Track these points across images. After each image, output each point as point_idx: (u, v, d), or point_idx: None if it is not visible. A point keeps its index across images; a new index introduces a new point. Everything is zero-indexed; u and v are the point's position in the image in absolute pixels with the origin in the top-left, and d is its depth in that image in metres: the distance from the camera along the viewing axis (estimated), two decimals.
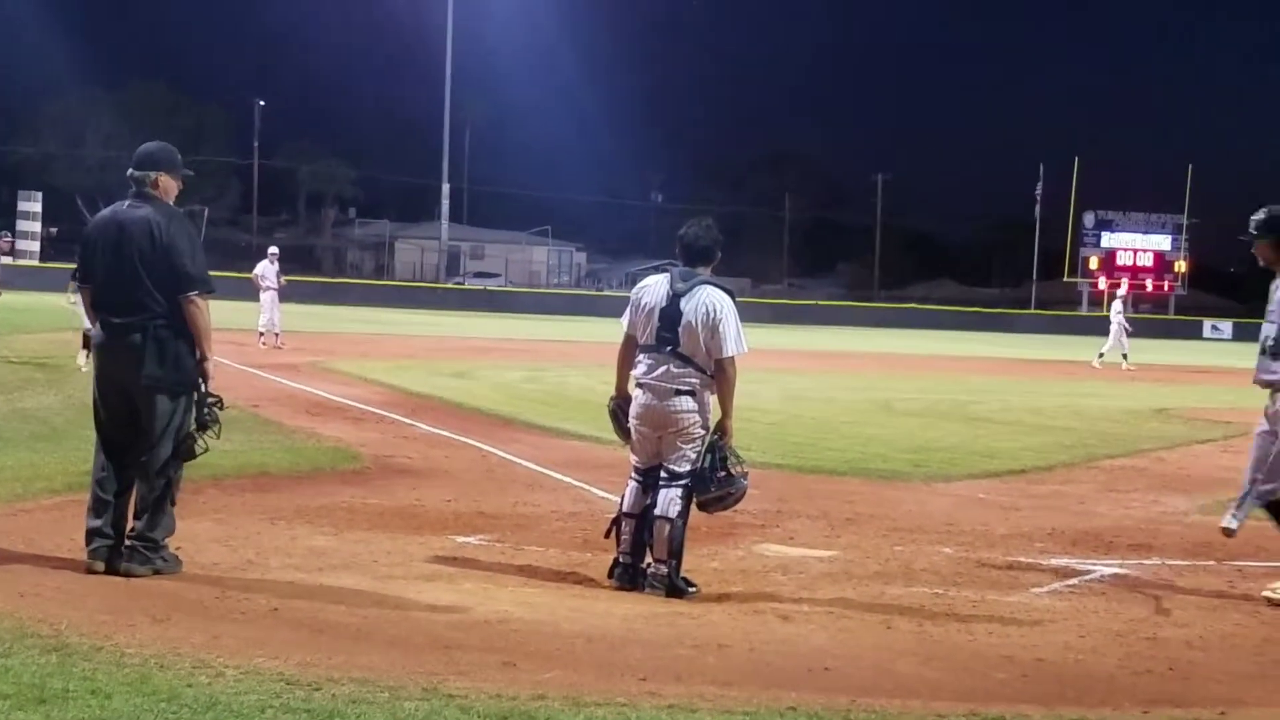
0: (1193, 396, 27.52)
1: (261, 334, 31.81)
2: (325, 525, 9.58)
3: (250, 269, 35.19)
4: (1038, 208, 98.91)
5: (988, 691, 6.12)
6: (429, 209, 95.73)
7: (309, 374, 23.78)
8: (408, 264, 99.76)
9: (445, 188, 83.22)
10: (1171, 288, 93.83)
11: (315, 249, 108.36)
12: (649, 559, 8.08)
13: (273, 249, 35.25)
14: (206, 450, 7.99)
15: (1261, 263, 9.16)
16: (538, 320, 57.44)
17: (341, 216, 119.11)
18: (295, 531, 9.29)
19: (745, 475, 8.27)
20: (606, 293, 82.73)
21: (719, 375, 8.09)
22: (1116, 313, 39.41)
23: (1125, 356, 39.00)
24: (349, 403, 18.93)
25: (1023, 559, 9.45)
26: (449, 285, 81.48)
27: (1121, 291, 40.63)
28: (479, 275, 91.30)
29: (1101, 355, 39.36)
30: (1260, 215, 9.10)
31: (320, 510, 10.16)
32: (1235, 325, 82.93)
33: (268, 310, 32.05)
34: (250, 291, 32.85)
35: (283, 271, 33.59)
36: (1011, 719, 5.65)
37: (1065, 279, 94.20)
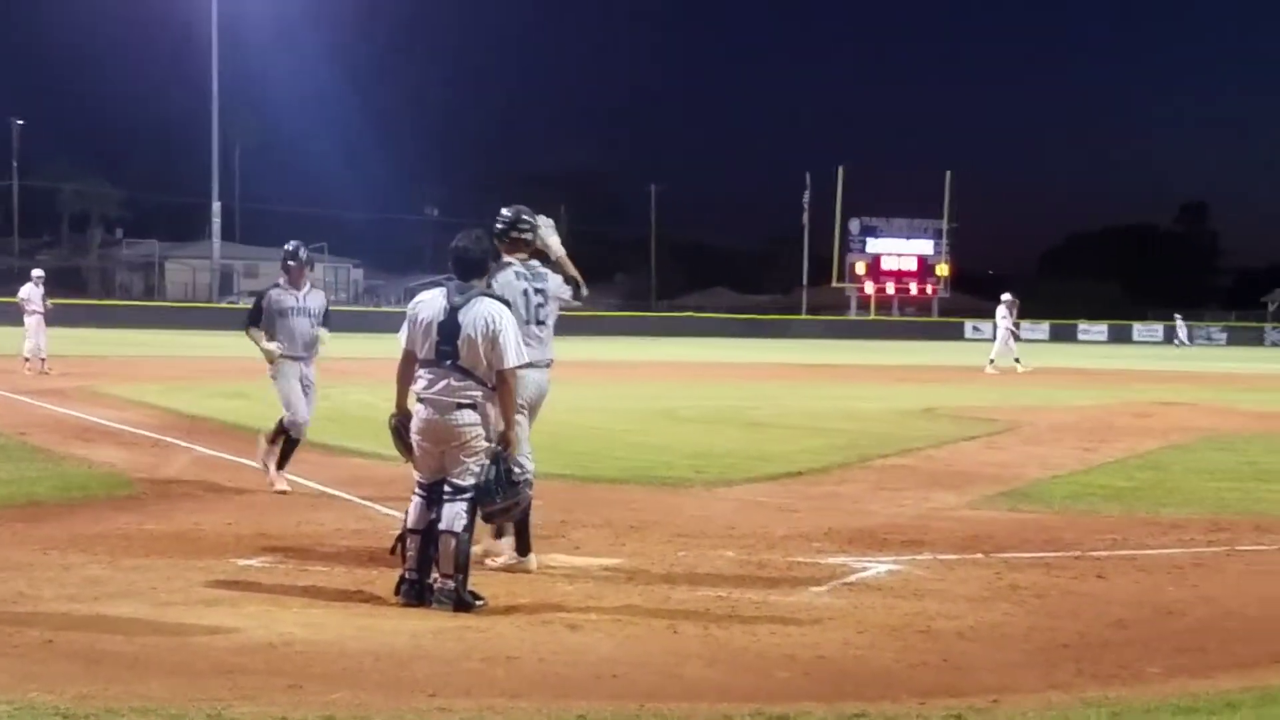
0: (958, 396, 28.47)
1: (27, 359, 30.73)
2: (100, 553, 9.31)
3: (13, 293, 33.95)
4: (805, 216, 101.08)
5: (771, 690, 6.27)
6: (199, 228, 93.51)
7: (78, 399, 23.04)
8: (179, 284, 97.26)
9: (215, 205, 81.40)
10: (934, 291, 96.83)
11: (81, 270, 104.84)
12: (435, 574, 8.06)
13: (37, 271, 34.02)
14: None
15: None
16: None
17: (108, 237, 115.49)
18: (69, 561, 9.02)
19: (529, 485, 8.31)
20: (384, 309, 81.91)
21: (500, 386, 8.12)
22: (1002, 317, 40.22)
23: (1018, 360, 39.92)
24: (121, 427, 18.42)
25: (802, 559, 9.68)
26: (223, 305, 79.69)
27: (1006, 297, 40.63)
28: (253, 294, 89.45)
29: (992, 360, 40.18)
30: None
31: (95, 538, 9.87)
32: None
33: (33, 335, 30.98)
34: (15, 315, 31.67)
35: (48, 294, 32.48)
36: (795, 716, 5.79)
37: (834, 284, 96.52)
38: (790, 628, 7.58)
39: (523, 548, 9.17)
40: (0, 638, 6.88)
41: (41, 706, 5.57)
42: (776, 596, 8.43)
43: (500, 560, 9.12)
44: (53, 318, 32.57)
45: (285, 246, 13.24)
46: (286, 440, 13.02)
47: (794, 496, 12.93)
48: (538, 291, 9.31)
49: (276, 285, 13.27)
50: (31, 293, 31.80)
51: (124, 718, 5.44)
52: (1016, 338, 41.02)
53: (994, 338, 41.50)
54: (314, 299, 13.32)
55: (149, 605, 7.78)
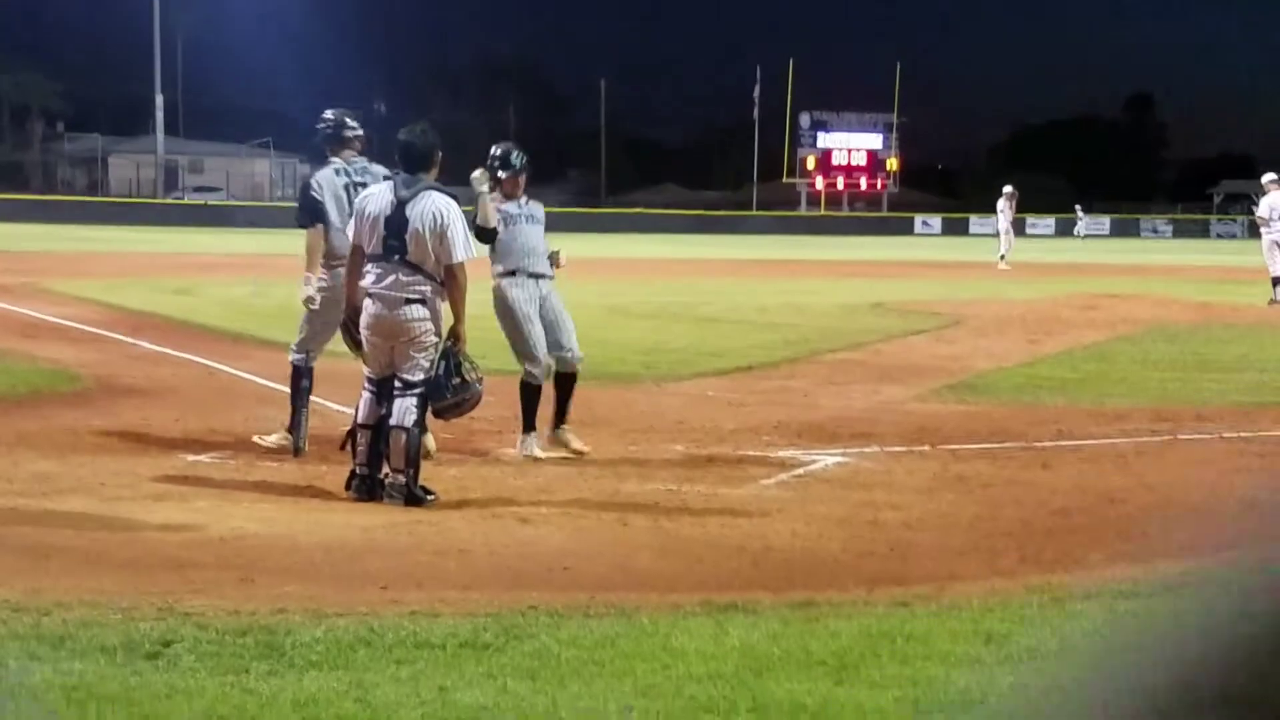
0: (906, 290, 28.59)
1: None
2: (47, 449, 9.26)
3: None
4: (756, 110, 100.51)
5: (720, 580, 6.34)
6: (143, 122, 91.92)
7: (21, 294, 22.78)
8: (123, 180, 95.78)
9: (159, 99, 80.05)
10: (884, 185, 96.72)
11: (23, 165, 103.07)
12: (386, 469, 8.07)
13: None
14: None
15: None
16: (262, 234, 56.01)
17: (49, 131, 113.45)
18: (15, 457, 8.97)
19: (480, 381, 8.31)
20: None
21: (449, 281, 8.08)
22: (1002, 211, 39.57)
23: (1003, 257, 39.27)
24: (66, 323, 18.25)
25: (751, 452, 9.75)
26: (168, 200, 78.70)
27: (1007, 190, 39.87)
28: (199, 190, 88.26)
29: (1003, 256, 39.34)
30: None
31: (41, 434, 9.82)
32: (944, 220, 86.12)
33: None
34: None
35: None
36: (743, 605, 5.86)
37: (784, 180, 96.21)
38: (739, 519, 7.65)
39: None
40: None
41: None
42: (725, 489, 8.50)
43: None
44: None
45: (493, 150, 10.04)
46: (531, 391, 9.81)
47: (743, 391, 12.98)
48: (358, 186, 9.22)
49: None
50: None
51: (75, 611, 5.44)
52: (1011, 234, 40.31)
53: (996, 233, 40.82)
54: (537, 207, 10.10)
55: (98, 501, 7.76)
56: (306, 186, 9.56)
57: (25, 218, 58.72)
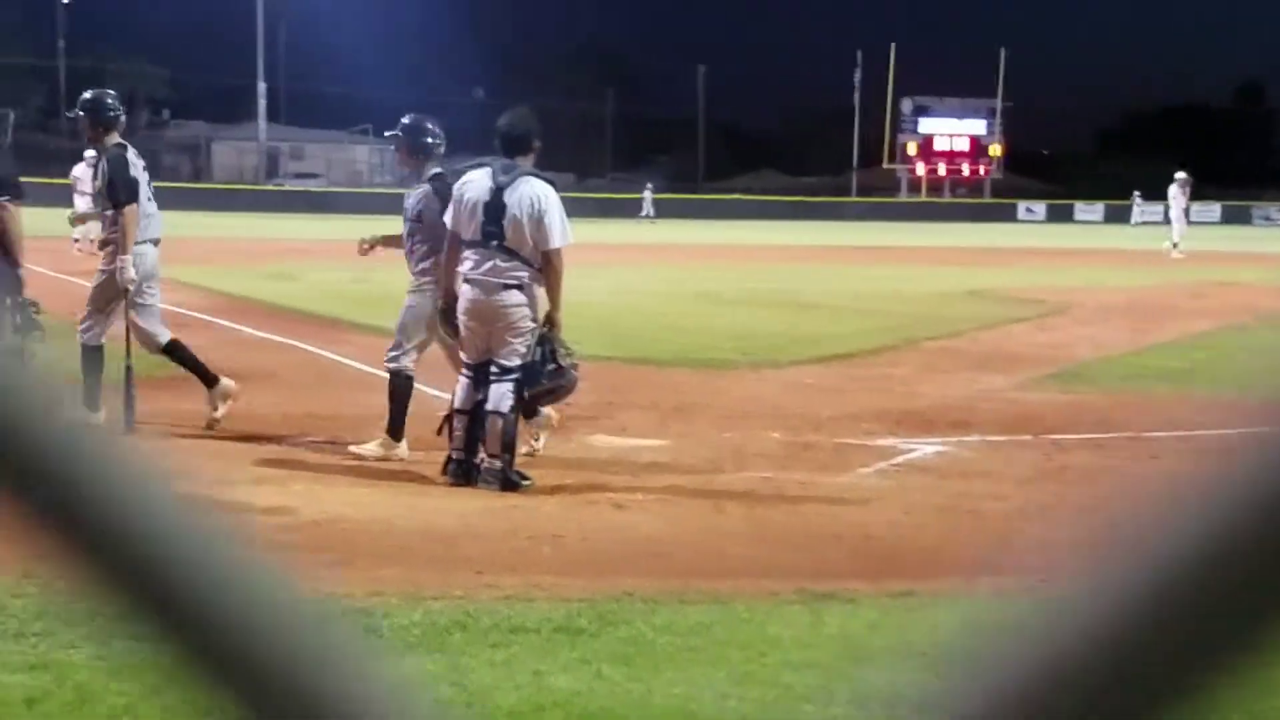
0: (1007, 277, 28.23)
1: (76, 240, 30.72)
2: (149, 433, 9.38)
3: (65, 174, 33.97)
4: (856, 95, 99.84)
5: (816, 568, 6.27)
6: (246, 109, 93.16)
7: None
8: (226, 166, 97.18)
9: (261, 86, 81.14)
10: (987, 171, 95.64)
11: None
12: (482, 454, 8.08)
13: (89, 152, 33.96)
14: (34, 358, 7.77)
15: None
16: (361, 220, 56.50)
17: (155, 118, 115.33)
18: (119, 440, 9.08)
19: (575, 368, 8.30)
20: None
21: (546, 267, 8.07)
22: (1174, 196, 38.43)
23: (1175, 245, 37.89)
24: (168, 308, 18.44)
25: (849, 440, 9.66)
26: (269, 187, 79.72)
27: (1180, 176, 38.52)
28: (300, 176, 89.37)
29: (1175, 244, 37.96)
30: None
31: (144, 417, 9.94)
32: (1049, 207, 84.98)
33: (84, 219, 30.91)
34: (66, 197, 31.73)
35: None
36: (840, 594, 5.80)
37: (885, 165, 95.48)
38: (836, 508, 7.57)
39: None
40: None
41: None
42: (823, 477, 8.42)
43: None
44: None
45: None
46: None
47: (841, 378, 12.87)
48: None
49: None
50: (84, 173, 31.72)
51: None
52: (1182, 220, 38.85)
53: (1166, 220, 39.57)
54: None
55: (199, 484, 7.81)
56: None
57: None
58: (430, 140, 9.16)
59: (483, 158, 9.11)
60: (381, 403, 10.62)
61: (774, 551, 6.63)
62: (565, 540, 6.74)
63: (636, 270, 28.31)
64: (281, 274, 25.31)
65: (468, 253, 8.16)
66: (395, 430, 8.89)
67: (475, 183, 8.19)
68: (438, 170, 9.03)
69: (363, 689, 0.58)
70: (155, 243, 9.54)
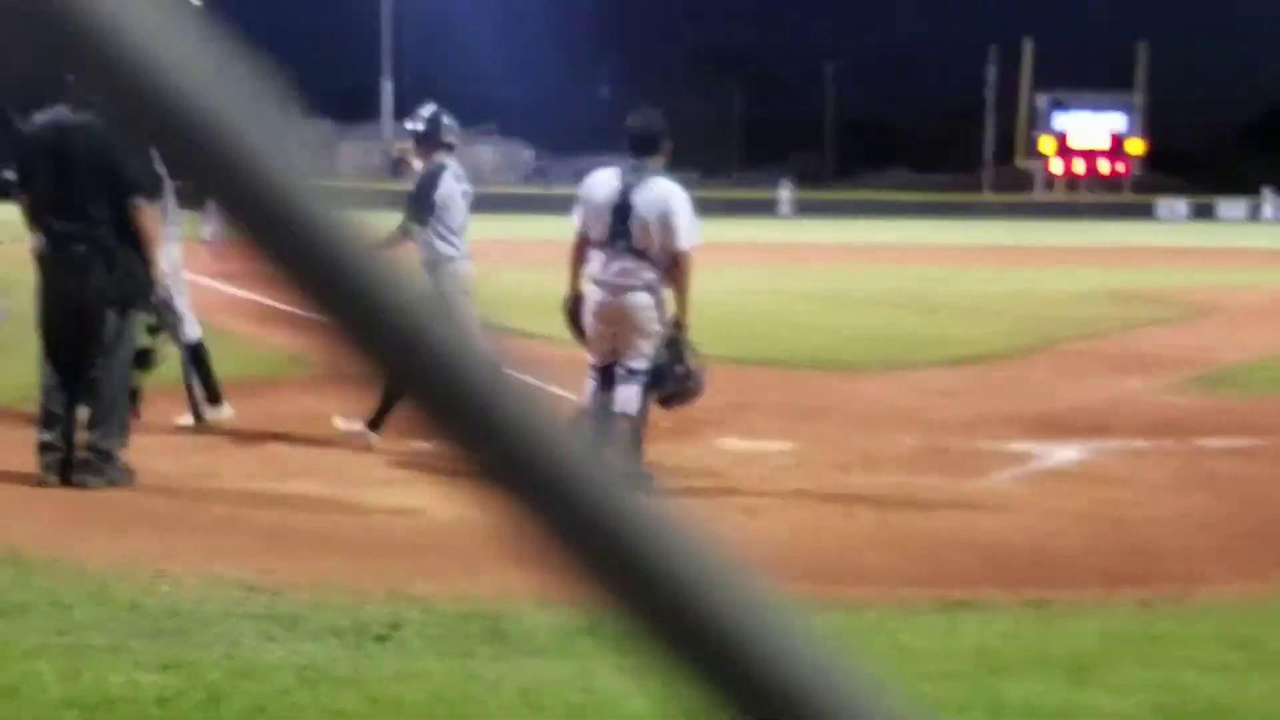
0: (1147, 278, 27.64)
1: (208, 241, 31.38)
2: (281, 433, 9.48)
3: None
4: (989, 91, 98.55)
5: (951, 576, 6.14)
6: (372, 108, 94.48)
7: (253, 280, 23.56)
8: (352, 165, 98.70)
9: (387, 85, 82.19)
10: (1126, 168, 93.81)
11: None
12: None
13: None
14: (166, 360, 7.90)
15: None
16: (485, 220, 56.97)
17: None
18: (251, 439, 9.20)
19: (704, 370, 8.22)
20: (555, 190, 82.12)
21: (674, 269, 7.99)
22: None
23: None
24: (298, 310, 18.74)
25: (983, 445, 9.47)
26: (395, 186, 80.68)
27: None
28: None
29: None
30: None
31: (276, 418, 10.05)
32: (1191, 205, 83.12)
33: (214, 217, 31.64)
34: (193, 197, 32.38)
35: None
36: (976, 602, 5.67)
37: (1019, 163, 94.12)
38: (971, 514, 7.42)
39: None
40: (185, 514, 7.05)
41: (227, 580, 5.68)
42: (956, 483, 8.26)
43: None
44: None
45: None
46: None
47: (974, 381, 12.65)
48: (465, 187, 9.53)
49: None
50: None
51: (305, 592, 5.51)
52: None
53: None
54: None
55: (328, 484, 7.90)
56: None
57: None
58: (449, 137, 9.43)
59: (610, 157, 9.09)
60: None
61: (906, 558, 6.50)
62: None
63: (763, 270, 28.17)
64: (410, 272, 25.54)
65: (594, 253, 8.12)
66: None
67: (602, 183, 8.15)
68: (443, 163, 9.26)
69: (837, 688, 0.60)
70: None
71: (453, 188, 9.27)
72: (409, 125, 9.73)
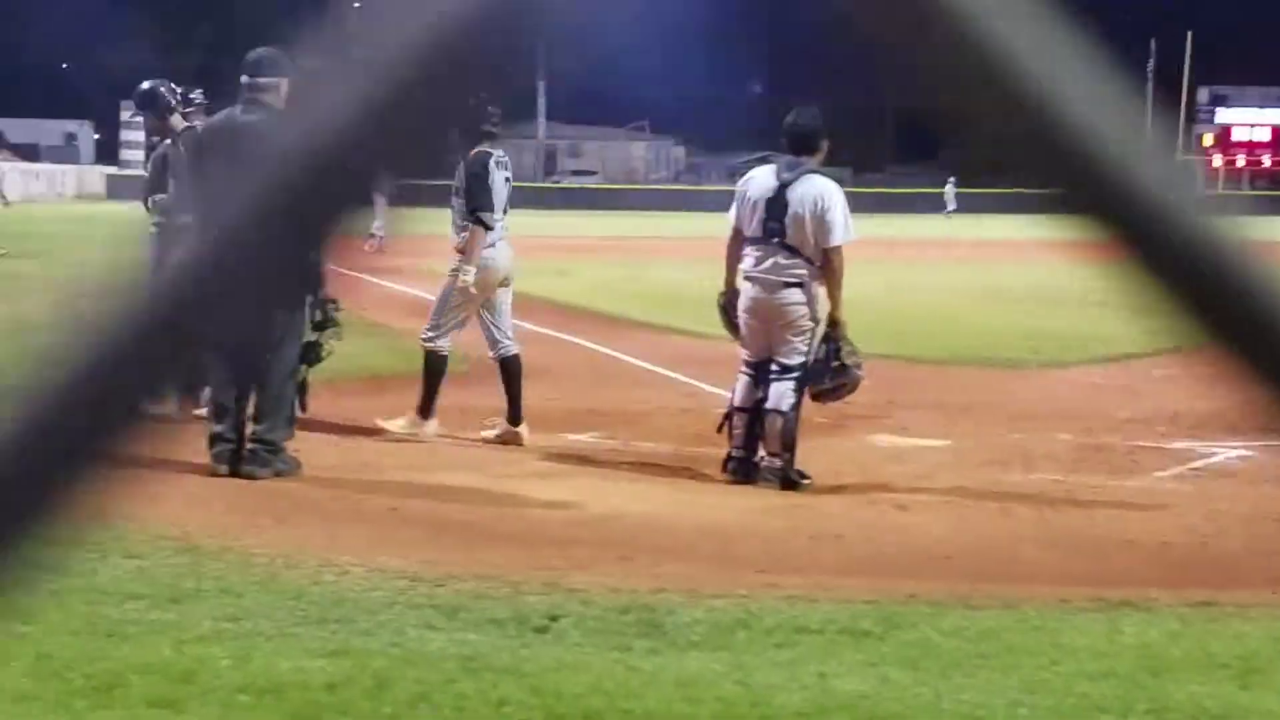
0: None
1: (372, 236, 31.77)
2: (439, 426, 9.63)
3: None
4: (1149, 85, 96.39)
5: (1111, 576, 6.05)
6: (526, 107, 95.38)
7: (413, 276, 23.87)
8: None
9: (540, 85, 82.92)
10: None
11: None
12: (762, 452, 8.05)
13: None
14: (331, 354, 8.08)
15: None
16: (638, 216, 57.22)
17: None
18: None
19: (859, 366, 8.19)
20: (707, 187, 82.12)
21: (827, 265, 7.98)
22: None
23: None
24: None
25: (1144, 443, 9.30)
26: (546, 184, 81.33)
27: None
28: (576, 173, 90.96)
29: None
30: None
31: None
32: None
33: (377, 213, 32.00)
34: None
35: None
36: (1137, 602, 5.58)
37: (1179, 158, 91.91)
38: (1132, 513, 7.30)
39: (514, 418, 9.15)
40: (349, 504, 7.22)
41: (390, 570, 5.80)
42: (1116, 481, 8.13)
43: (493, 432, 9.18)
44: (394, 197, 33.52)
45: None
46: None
47: (1135, 378, 12.39)
48: (508, 174, 9.48)
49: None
50: None
51: (466, 583, 5.61)
52: None
53: None
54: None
55: (486, 477, 8.02)
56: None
57: (416, 201, 61.66)
58: (491, 124, 9.35)
59: (764, 154, 9.09)
60: (660, 398, 10.72)
61: (1065, 557, 6.42)
62: (847, 540, 6.66)
63: (914, 266, 27.91)
64: (559, 270, 25.71)
65: (749, 249, 8.13)
66: (424, 408, 9.11)
67: (758, 179, 8.16)
68: (484, 149, 9.17)
69: None
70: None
71: (496, 175, 9.28)
72: None
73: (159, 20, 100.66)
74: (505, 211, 9.39)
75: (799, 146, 8.13)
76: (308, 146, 0.55)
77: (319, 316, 7.95)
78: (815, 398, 8.20)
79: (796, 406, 8.00)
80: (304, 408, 8.00)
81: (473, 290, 8.96)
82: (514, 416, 9.18)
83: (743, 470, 8.08)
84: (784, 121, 8.29)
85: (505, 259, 9.39)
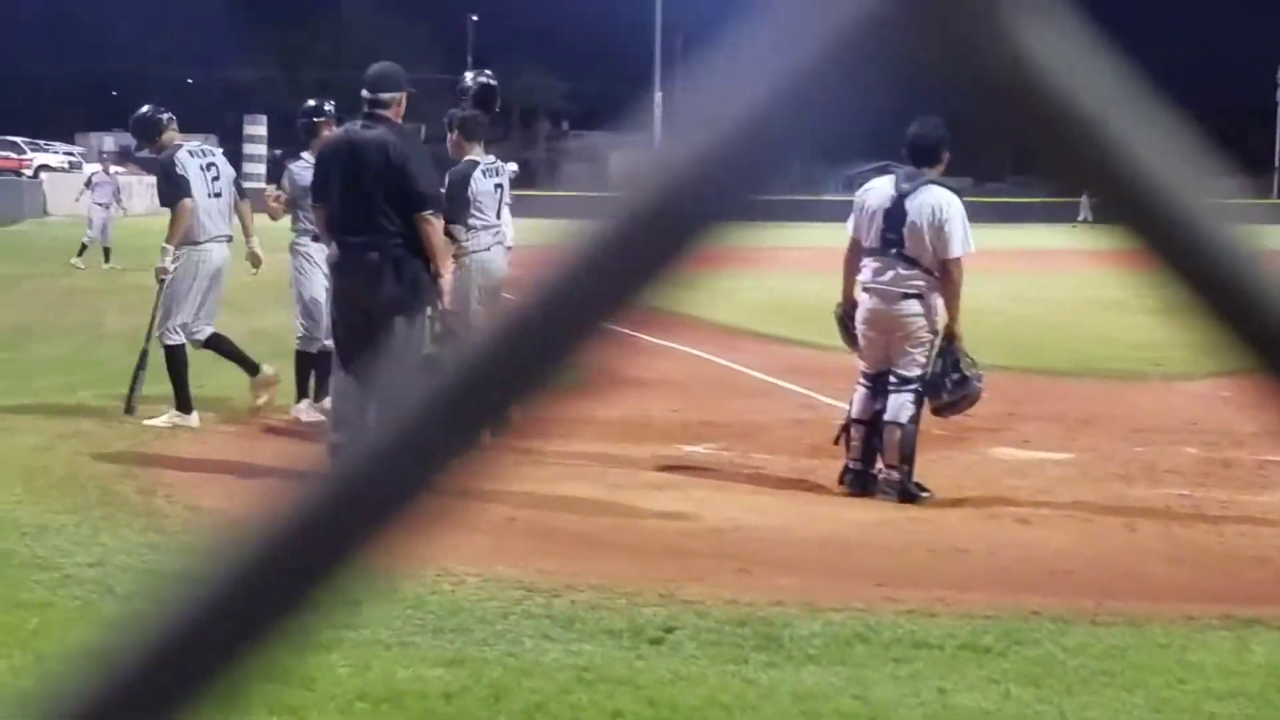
0: None
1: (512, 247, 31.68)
2: (555, 436, 9.65)
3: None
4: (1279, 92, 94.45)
5: (1242, 593, 5.91)
6: (643, 118, 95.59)
7: None
8: (621, 175, 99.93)
9: (657, 96, 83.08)
10: None
11: (530, 163, 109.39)
12: (880, 465, 7.98)
13: (512, 166, 34.93)
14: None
15: None
16: (754, 227, 56.87)
17: (554, 130, 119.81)
18: (525, 443, 9.40)
19: (979, 378, 8.08)
20: (825, 197, 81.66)
21: (946, 277, 7.89)
22: None
23: None
24: None
25: (1273, 458, 9.07)
26: None
27: None
28: None
29: None
30: None
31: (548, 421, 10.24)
32: None
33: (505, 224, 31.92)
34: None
35: (512, 187, 33.58)
36: (1267, 620, 5.44)
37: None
38: (1261, 529, 7.13)
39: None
40: (467, 513, 7.25)
41: (506, 579, 5.83)
42: (1246, 496, 7.94)
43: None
44: (515, 210, 33.54)
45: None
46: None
47: (1259, 391, 12.10)
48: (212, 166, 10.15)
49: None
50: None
51: (583, 594, 5.62)
52: None
53: None
54: None
55: (602, 487, 8.03)
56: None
57: (534, 212, 62.16)
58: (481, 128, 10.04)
59: (883, 163, 9.01)
60: (777, 410, 10.66)
61: (1192, 574, 6.28)
62: (968, 554, 6.57)
63: (1036, 276, 27.52)
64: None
65: (867, 260, 8.07)
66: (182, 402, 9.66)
67: (877, 190, 8.10)
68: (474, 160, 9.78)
69: None
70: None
71: (482, 183, 9.69)
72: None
73: (278, 35, 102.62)
74: (499, 216, 9.93)
75: (920, 158, 8.05)
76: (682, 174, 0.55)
77: (439, 328, 8.02)
78: (935, 411, 8.10)
79: (915, 419, 7.92)
80: None
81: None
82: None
83: (860, 483, 8.01)
84: (906, 133, 8.20)
85: (500, 261, 9.85)
